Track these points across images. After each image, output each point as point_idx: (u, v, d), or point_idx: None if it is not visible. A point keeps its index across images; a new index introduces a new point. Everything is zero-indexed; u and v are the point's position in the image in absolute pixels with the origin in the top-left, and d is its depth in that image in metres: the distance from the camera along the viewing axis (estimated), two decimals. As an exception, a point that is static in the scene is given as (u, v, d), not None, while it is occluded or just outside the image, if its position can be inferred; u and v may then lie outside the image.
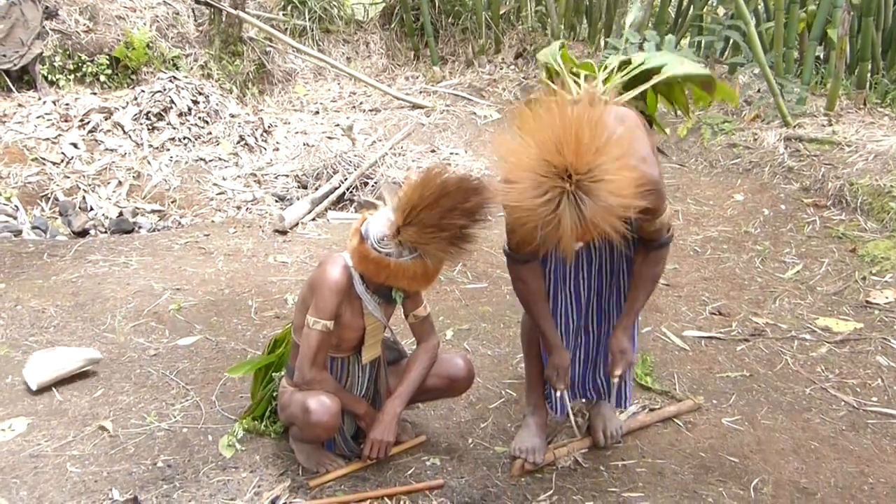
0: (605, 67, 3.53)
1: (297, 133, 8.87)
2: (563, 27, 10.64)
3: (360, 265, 3.38)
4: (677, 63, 3.53)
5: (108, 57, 8.80)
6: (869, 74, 7.84)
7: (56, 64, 8.62)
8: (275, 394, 3.82)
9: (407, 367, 3.73)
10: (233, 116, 8.52)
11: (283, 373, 3.78)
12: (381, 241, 3.30)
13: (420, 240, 3.24)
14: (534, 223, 2.85)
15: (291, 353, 3.68)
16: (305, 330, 3.45)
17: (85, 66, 8.70)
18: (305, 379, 3.49)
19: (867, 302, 5.23)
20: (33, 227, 6.73)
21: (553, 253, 3.48)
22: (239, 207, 7.39)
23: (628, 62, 3.54)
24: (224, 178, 7.81)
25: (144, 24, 9.33)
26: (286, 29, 10.51)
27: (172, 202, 7.46)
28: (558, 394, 3.62)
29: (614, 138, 2.81)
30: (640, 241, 3.42)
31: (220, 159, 8.04)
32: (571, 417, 3.73)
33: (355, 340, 3.59)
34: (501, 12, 10.76)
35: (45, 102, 8.18)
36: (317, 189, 7.40)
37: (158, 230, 6.83)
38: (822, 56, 8.61)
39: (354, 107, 9.79)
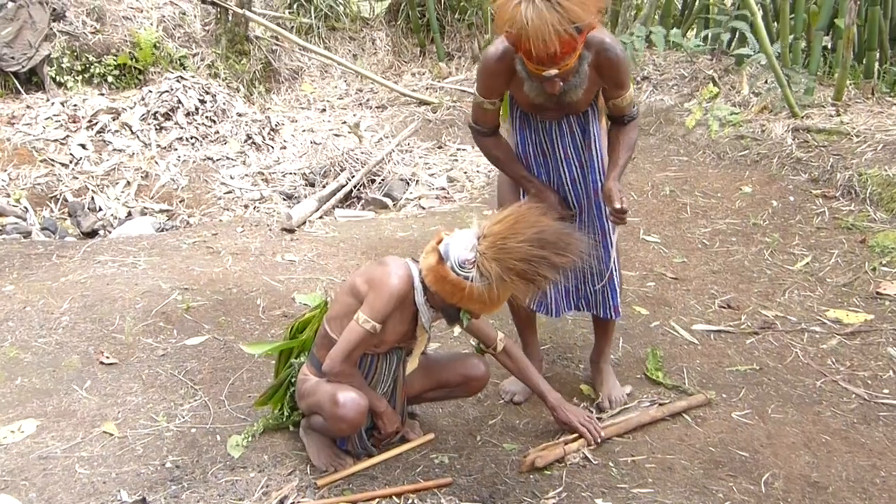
0: None
1: (304, 131, 8.88)
2: (569, 21, 10.61)
3: (436, 284, 3.37)
4: None
5: (115, 57, 8.82)
6: (877, 64, 7.79)
7: (64, 65, 8.65)
8: (293, 380, 3.82)
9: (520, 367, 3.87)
10: (240, 115, 8.53)
11: (302, 359, 3.77)
12: (463, 264, 3.29)
13: (500, 275, 3.24)
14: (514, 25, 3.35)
15: (317, 342, 3.67)
16: (352, 324, 3.44)
17: (93, 67, 8.74)
18: (334, 371, 3.48)
19: (877, 293, 5.21)
20: (42, 229, 6.76)
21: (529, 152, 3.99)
22: (246, 206, 7.40)
23: None
24: (232, 177, 7.82)
25: (151, 24, 9.36)
26: (292, 27, 10.52)
27: (180, 202, 7.48)
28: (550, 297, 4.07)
29: None
30: (613, 119, 3.88)
31: (227, 158, 8.05)
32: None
33: (393, 343, 3.59)
34: (507, 7, 10.73)
35: (53, 104, 8.21)
36: (324, 187, 7.40)
37: (167, 230, 6.84)
38: (829, 46, 8.57)
39: (361, 104, 9.79)
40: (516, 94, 3.83)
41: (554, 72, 3.46)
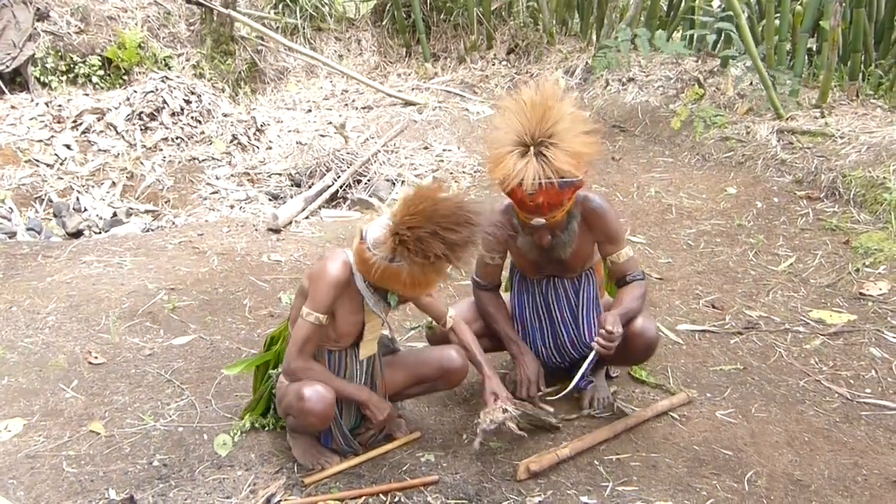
0: None
1: (289, 131, 8.87)
2: (554, 22, 10.65)
3: (359, 265, 3.43)
4: None
5: (100, 58, 8.81)
6: (861, 65, 7.84)
7: (48, 65, 8.63)
8: (273, 391, 3.84)
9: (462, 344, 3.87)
10: (225, 115, 8.52)
11: (279, 369, 3.79)
12: (375, 243, 3.33)
13: (401, 253, 3.28)
14: (507, 178, 3.57)
15: (286, 348, 3.69)
16: (298, 321, 3.50)
17: (77, 67, 8.72)
18: (290, 368, 3.55)
19: (860, 294, 5.24)
20: (27, 229, 6.74)
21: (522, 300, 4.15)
22: (232, 206, 7.40)
23: None
24: (217, 178, 7.81)
25: (136, 24, 9.34)
26: (278, 27, 10.52)
27: (166, 202, 7.47)
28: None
29: (569, 116, 3.61)
30: (618, 283, 3.98)
31: (213, 158, 8.04)
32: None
33: (354, 335, 3.62)
34: (493, 8, 10.77)
35: (37, 104, 8.18)
36: (310, 187, 7.39)
37: (152, 230, 6.83)
38: (814, 48, 8.61)
39: (347, 104, 9.80)
40: (513, 250, 4.01)
41: (541, 221, 3.66)
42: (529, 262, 4.02)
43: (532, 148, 3.54)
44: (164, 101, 8.27)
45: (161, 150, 7.97)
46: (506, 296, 4.27)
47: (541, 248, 3.82)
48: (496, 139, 3.69)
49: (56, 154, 7.67)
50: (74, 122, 8.01)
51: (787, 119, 7.33)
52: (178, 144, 8.06)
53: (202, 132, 8.26)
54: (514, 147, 3.59)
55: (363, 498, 3.47)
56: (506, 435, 3.77)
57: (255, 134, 8.53)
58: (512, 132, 3.61)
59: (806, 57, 8.03)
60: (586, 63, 9.61)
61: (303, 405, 3.46)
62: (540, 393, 4.02)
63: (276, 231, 6.46)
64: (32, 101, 8.28)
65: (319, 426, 3.59)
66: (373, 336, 3.69)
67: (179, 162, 7.88)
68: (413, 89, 10.07)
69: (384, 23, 11.06)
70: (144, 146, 7.95)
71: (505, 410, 3.69)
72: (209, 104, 8.50)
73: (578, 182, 3.63)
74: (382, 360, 3.84)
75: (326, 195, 7.26)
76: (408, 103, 9.55)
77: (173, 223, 7.09)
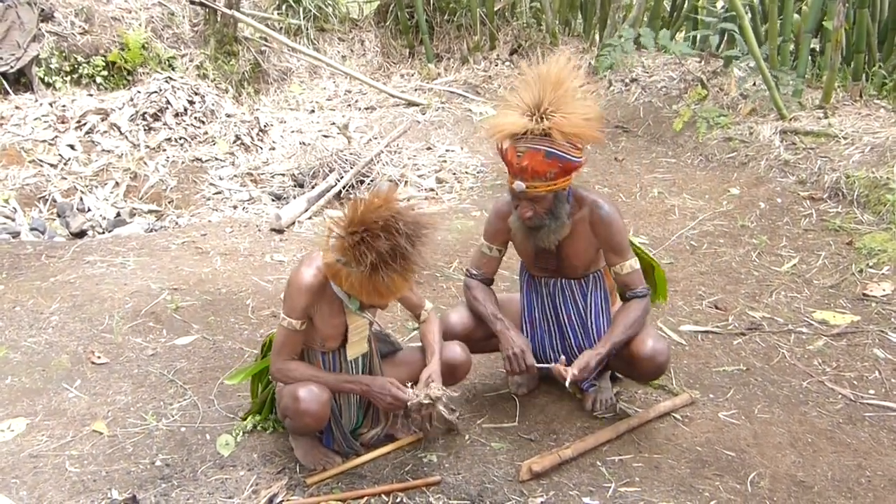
0: None
1: (293, 132, 8.87)
2: (557, 23, 10.64)
3: (324, 266, 3.41)
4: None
5: (103, 58, 8.81)
6: (865, 66, 7.82)
7: (52, 66, 8.63)
8: (276, 394, 3.84)
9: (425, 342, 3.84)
10: (229, 116, 8.51)
11: None
12: (333, 245, 3.32)
13: (346, 257, 3.28)
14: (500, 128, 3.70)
15: None
16: (278, 325, 3.54)
17: (81, 67, 8.72)
18: (273, 370, 3.60)
19: (864, 294, 5.24)
20: (31, 229, 6.74)
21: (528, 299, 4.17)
22: (235, 207, 7.39)
23: None
24: (220, 178, 7.81)
25: (140, 25, 9.34)
26: (281, 28, 10.51)
27: (169, 202, 7.47)
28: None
29: (577, 94, 3.70)
30: (621, 296, 4.00)
31: (216, 159, 8.04)
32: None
33: (338, 337, 3.62)
34: (496, 8, 10.76)
35: (41, 104, 8.19)
36: (313, 187, 7.39)
37: (155, 230, 6.83)
38: (817, 48, 8.60)
39: (350, 105, 9.79)
40: (514, 241, 4.03)
41: (521, 185, 3.65)
42: (526, 253, 4.03)
43: (536, 113, 3.60)
44: (168, 102, 8.27)
45: (164, 150, 7.97)
46: (516, 295, 4.27)
47: (527, 231, 3.81)
48: (506, 104, 3.76)
49: (60, 154, 7.67)
50: (78, 122, 8.01)
51: (791, 120, 7.32)
52: (182, 145, 8.06)
53: (205, 133, 8.25)
54: (521, 111, 3.65)
55: (365, 498, 3.48)
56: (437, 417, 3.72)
57: (258, 134, 8.52)
58: (522, 99, 3.66)
59: (809, 57, 8.02)
60: (589, 63, 9.60)
61: (298, 406, 3.47)
62: (534, 365, 3.97)
63: (279, 231, 6.47)
64: (36, 101, 8.29)
65: (315, 426, 3.59)
66: (359, 337, 3.67)
67: (183, 162, 7.88)
68: (416, 90, 10.06)
69: (387, 23, 11.04)
70: (148, 146, 7.95)
71: (442, 390, 3.64)
72: (213, 105, 8.50)
73: (568, 162, 3.64)
74: (384, 360, 3.84)
75: (329, 195, 7.26)
76: (411, 104, 9.55)
77: (176, 223, 7.10)
